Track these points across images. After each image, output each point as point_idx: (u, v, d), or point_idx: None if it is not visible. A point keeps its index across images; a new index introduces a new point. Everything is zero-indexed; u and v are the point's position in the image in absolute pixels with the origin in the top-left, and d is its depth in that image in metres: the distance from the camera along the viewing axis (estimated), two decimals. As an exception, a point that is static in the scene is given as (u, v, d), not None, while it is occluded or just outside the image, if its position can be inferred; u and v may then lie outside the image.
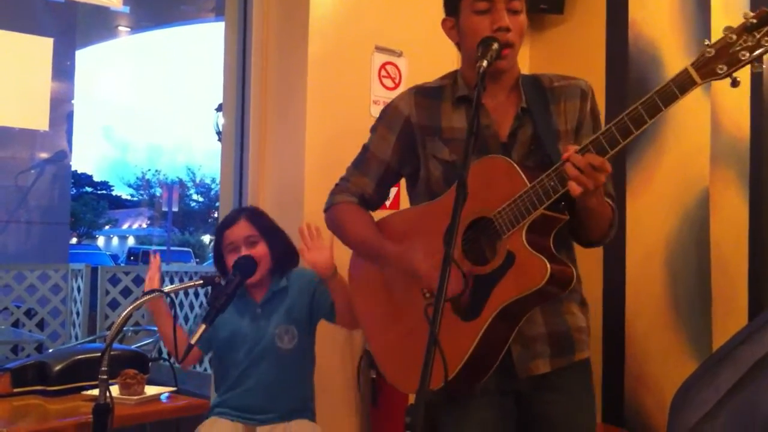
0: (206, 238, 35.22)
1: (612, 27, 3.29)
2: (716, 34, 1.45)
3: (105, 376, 1.78)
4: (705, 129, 2.94)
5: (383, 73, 3.10)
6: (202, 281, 2.05)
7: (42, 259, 8.92)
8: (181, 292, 6.64)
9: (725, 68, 1.42)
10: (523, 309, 1.64)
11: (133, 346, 4.10)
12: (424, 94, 1.86)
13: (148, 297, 2.01)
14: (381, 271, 1.86)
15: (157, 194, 36.94)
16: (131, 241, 35.28)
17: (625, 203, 3.15)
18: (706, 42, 1.45)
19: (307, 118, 2.89)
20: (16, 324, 6.71)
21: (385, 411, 2.86)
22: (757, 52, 1.39)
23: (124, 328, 6.09)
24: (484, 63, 1.59)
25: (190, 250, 28.07)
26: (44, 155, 10.83)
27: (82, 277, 6.99)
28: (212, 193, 36.57)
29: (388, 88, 3.07)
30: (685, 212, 3.00)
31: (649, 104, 1.48)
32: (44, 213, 10.78)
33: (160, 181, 38.77)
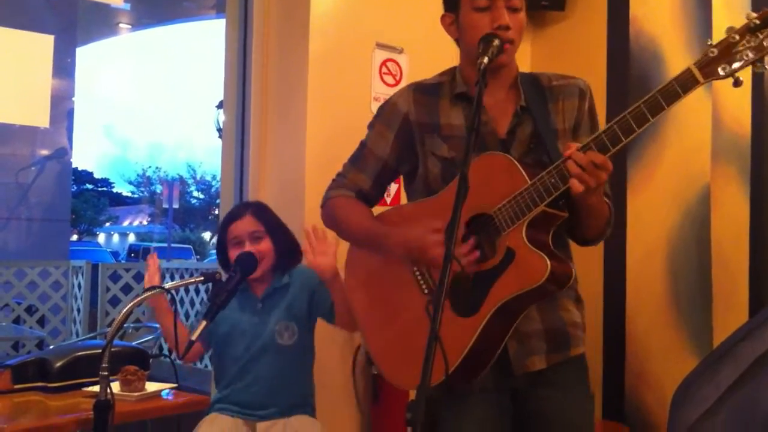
0: (207, 235, 35.25)
1: (613, 24, 3.29)
2: (717, 30, 1.45)
3: (106, 373, 1.78)
4: (706, 125, 2.94)
5: (384, 70, 3.10)
6: (202, 278, 2.05)
7: (43, 256, 8.93)
8: (182, 289, 6.65)
9: (728, 68, 1.43)
10: (522, 306, 1.64)
11: (133, 343, 4.11)
12: (422, 91, 1.86)
13: (148, 294, 2.01)
14: (378, 267, 1.85)
15: (158, 191, 36.98)
16: (132, 238, 35.30)
17: (625, 200, 3.15)
18: (709, 42, 1.45)
19: (307, 115, 2.89)
20: (16, 321, 6.73)
21: (386, 407, 2.86)
22: (760, 53, 1.40)
23: (125, 325, 6.09)
24: (485, 59, 1.59)
25: (191, 247, 28.08)
26: (45, 152, 10.84)
27: (82, 274, 7.00)
28: (213, 190, 36.59)
29: (388, 85, 3.07)
30: (686, 209, 3.00)
31: (652, 103, 1.48)
32: (45, 210, 10.79)
33: (160, 178, 38.80)
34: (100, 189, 37.26)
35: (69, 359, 2.57)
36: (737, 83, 1.44)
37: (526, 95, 1.77)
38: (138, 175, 40.58)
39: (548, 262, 1.55)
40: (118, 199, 39.42)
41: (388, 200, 3.01)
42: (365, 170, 1.91)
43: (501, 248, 1.62)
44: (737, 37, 1.42)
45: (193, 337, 1.87)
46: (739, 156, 2.92)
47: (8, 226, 10.46)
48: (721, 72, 1.43)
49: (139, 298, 1.98)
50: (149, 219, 37.67)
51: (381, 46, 3.09)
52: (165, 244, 26.11)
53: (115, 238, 37.62)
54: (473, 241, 1.63)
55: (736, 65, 1.42)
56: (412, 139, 1.84)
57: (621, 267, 3.18)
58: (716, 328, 2.88)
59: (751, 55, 1.41)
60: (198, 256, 26.32)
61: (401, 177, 1.96)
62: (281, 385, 2.32)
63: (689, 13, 3.04)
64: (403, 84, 3.07)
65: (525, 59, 3.54)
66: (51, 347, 3.04)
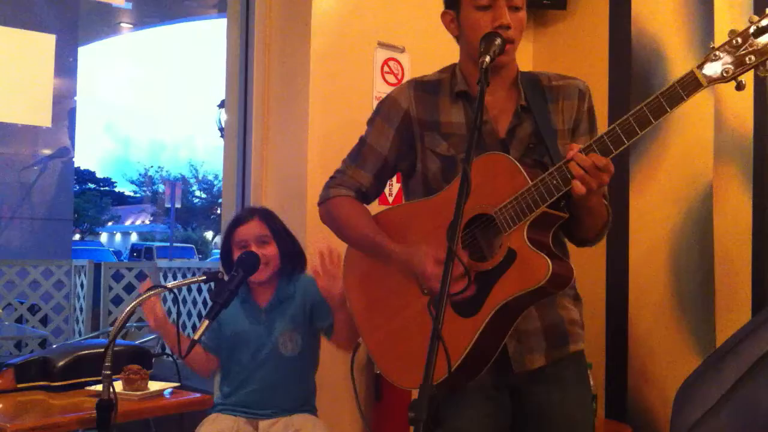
0: (209, 235, 35.27)
1: (614, 22, 3.29)
2: (719, 29, 1.45)
3: (108, 372, 1.78)
4: (708, 124, 2.93)
5: (386, 69, 3.10)
6: (204, 277, 2.05)
7: (45, 255, 8.95)
8: (184, 288, 6.66)
9: (731, 72, 1.43)
10: (522, 306, 1.64)
11: (136, 342, 4.11)
12: (422, 88, 1.85)
13: (151, 293, 2.01)
14: (376, 266, 1.84)
15: (160, 191, 37.02)
16: (134, 237, 35.33)
17: (628, 199, 3.15)
18: (712, 45, 1.45)
19: (309, 115, 2.89)
20: (19, 320, 6.74)
21: (388, 406, 2.87)
22: (762, 57, 1.40)
23: (127, 324, 6.11)
24: (487, 59, 1.59)
25: (193, 246, 28.08)
26: (47, 152, 10.86)
27: (85, 274, 7.01)
28: (215, 189, 36.60)
29: (390, 84, 3.07)
30: (688, 208, 2.99)
31: (654, 105, 1.48)
32: (47, 209, 10.81)
33: (162, 178, 38.81)
34: (102, 188, 37.26)
35: (72, 358, 2.58)
36: (740, 87, 1.44)
37: (527, 95, 1.77)
38: (140, 174, 40.64)
39: (550, 264, 1.55)
40: (121, 199, 39.44)
41: (390, 199, 3.01)
42: (365, 167, 1.89)
43: (502, 249, 1.62)
44: (740, 41, 1.42)
45: (196, 337, 1.87)
46: (741, 155, 2.92)
47: (11, 226, 10.48)
48: (724, 75, 1.43)
49: (141, 297, 1.98)
50: (151, 218, 37.69)
51: (383, 45, 3.09)
52: (167, 244, 26.12)
53: (118, 237, 37.66)
54: (467, 280, 1.61)
55: (738, 69, 1.42)
56: (412, 135, 1.83)
57: (623, 266, 3.17)
58: (719, 327, 2.88)
59: (753, 58, 1.41)
60: (200, 256, 26.34)
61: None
62: (283, 391, 2.33)
63: (691, 12, 3.03)
64: (404, 83, 3.07)
65: (527, 58, 3.54)
66: (54, 346, 3.05)
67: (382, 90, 3.04)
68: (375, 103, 2.99)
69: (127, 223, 39.02)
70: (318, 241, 2.51)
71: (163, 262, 8.11)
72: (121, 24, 14.09)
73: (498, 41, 1.63)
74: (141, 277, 7.15)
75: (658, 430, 3.03)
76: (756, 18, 1.40)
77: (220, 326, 2.35)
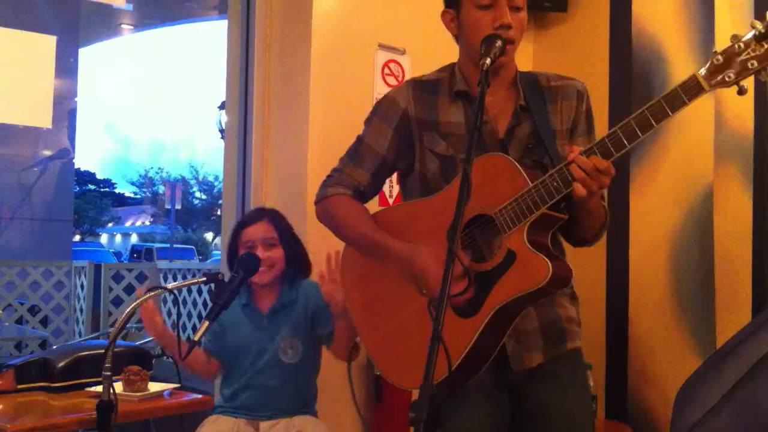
0: (209, 236, 35.26)
1: (615, 24, 3.29)
2: (720, 29, 1.46)
3: (108, 373, 1.78)
4: (709, 125, 2.93)
5: (386, 71, 3.10)
6: (205, 278, 2.04)
7: (45, 256, 8.96)
8: (184, 290, 6.66)
9: (733, 76, 1.43)
10: (521, 306, 1.64)
11: (136, 343, 4.11)
12: (421, 87, 1.85)
13: (151, 293, 2.01)
14: (373, 265, 1.84)
15: (160, 192, 37.03)
16: (134, 238, 35.32)
17: (628, 200, 3.15)
18: (715, 49, 1.46)
19: (310, 117, 2.89)
20: (19, 321, 6.75)
21: (389, 407, 2.86)
22: (764, 63, 1.41)
23: (128, 325, 6.10)
24: (488, 60, 1.59)
25: (193, 247, 28.08)
26: (47, 153, 10.87)
27: (85, 275, 7.01)
28: (215, 190, 36.60)
29: (391, 86, 3.07)
30: (689, 209, 2.99)
31: (656, 109, 1.48)
32: (47, 210, 10.82)
33: (163, 179, 38.82)
34: (102, 189, 37.26)
35: (72, 359, 2.58)
36: (742, 91, 1.45)
37: (526, 95, 1.77)
38: (140, 175, 40.64)
39: (550, 265, 1.55)
40: (121, 200, 39.44)
41: (390, 201, 3.01)
42: (363, 166, 1.89)
43: (502, 249, 1.62)
44: (742, 46, 1.42)
45: (196, 338, 1.87)
46: (741, 156, 2.92)
47: (11, 226, 10.50)
48: (726, 80, 1.44)
49: (141, 299, 1.98)
50: (151, 219, 37.70)
51: (383, 46, 3.09)
52: (167, 245, 26.11)
53: (118, 238, 37.66)
54: (467, 281, 1.61)
55: (741, 73, 1.43)
56: (410, 135, 1.83)
57: (624, 267, 3.17)
58: (719, 327, 2.88)
59: (755, 63, 1.41)
60: (200, 257, 26.34)
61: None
62: (284, 394, 2.32)
63: (691, 13, 3.03)
64: (405, 84, 3.07)
65: (527, 60, 3.54)
66: (54, 347, 3.05)
67: (383, 92, 3.01)
68: (375, 105, 3.00)
69: (127, 224, 39.02)
70: (318, 242, 2.52)
71: (163, 264, 8.11)
72: (122, 25, 14.10)
73: (499, 43, 1.63)
74: (141, 278, 7.15)
75: (659, 431, 3.03)
76: (758, 23, 1.40)
77: (223, 331, 2.35)
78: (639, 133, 1.50)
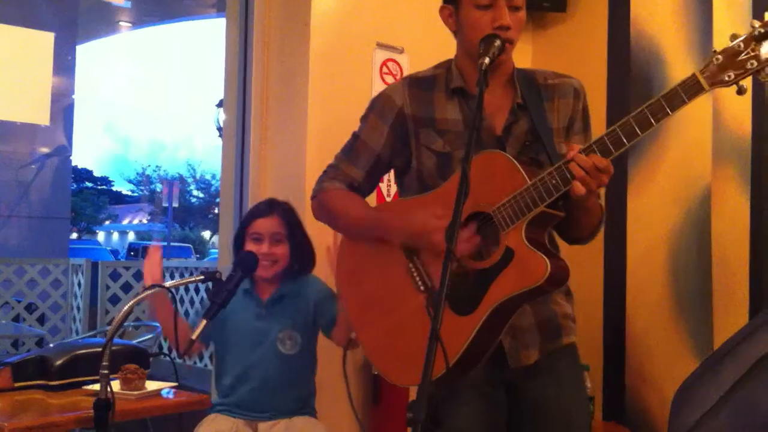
0: (206, 234, 35.23)
1: (614, 24, 3.29)
2: (718, 30, 1.46)
3: (106, 371, 1.78)
4: (707, 126, 2.94)
5: (385, 70, 3.10)
6: (203, 276, 2.04)
7: (42, 254, 8.95)
8: (182, 288, 6.65)
9: (733, 76, 1.44)
10: (518, 304, 1.65)
11: (133, 342, 4.10)
12: (417, 84, 1.85)
13: (148, 291, 2.01)
14: (371, 263, 1.84)
15: (158, 190, 36.94)
16: (131, 236, 35.27)
17: (626, 200, 3.15)
18: (714, 49, 1.46)
19: (308, 115, 2.89)
20: (16, 318, 6.74)
21: (387, 407, 2.86)
22: (763, 63, 1.41)
23: (125, 324, 6.09)
24: (487, 60, 1.59)
25: (191, 246, 28.07)
26: (45, 150, 10.85)
27: (82, 272, 7.01)
28: (212, 189, 36.54)
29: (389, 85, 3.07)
30: (687, 209, 3.00)
31: (656, 108, 1.49)
32: (45, 208, 10.81)
33: (160, 177, 38.74)
34: (99, 187, 37.17)
35: (69, 357, 2.57)
36: (741, 91, 1.45)
37: (523, 92, 1.77)
38: (138, 173, 40.56)
39: (548, 263, 1.55)
40: (118, 198, 39.37)
41: (388, 200, 3.01)
42: (358, 163, 1.89)
43: (500, 247, 1.62)
44: (742, 45, 1.43)
45: (193, 337, 1.87)
46: (739, 157, 2.92)
47: (8, 224, 10.48)
48: (725, 79, 1.44)
49: (139, 297, 1.98)
50: (149, 217, 37.62)
51: (381, 45, 3.09)
52: (165, 243, 26.08)
53: (115, 236, 37.62)
54: (473, 227, 1.62)
55: (740, 73, 1.43)
56: (406, 132, 1.83)
57: (621, 267, 3.18)
58: (716, 328, 2.88)
59: (755, 63, 1.42)
60: (197, 255, 26.31)
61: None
62: (282, 389, 2.32)
63: (690, 14, 3.04)
64: (404, 84, 3.07)
65: (526, 60, 3.54)
66: (51, 345, 3.04)
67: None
68: (374, 104, 3.00)
69: (125, 222, 38.97)
70: (316, 242, 2.51)
71: (160, 262, 8.08)
72: (120, 22, 14.09)
73: (497, 43, 1.64)
74: (138, 276, 7.14)
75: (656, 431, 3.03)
76: (757, 23, 1.41)
77: (219, 323, 2.34)
78: (638, 132, 1.50)
